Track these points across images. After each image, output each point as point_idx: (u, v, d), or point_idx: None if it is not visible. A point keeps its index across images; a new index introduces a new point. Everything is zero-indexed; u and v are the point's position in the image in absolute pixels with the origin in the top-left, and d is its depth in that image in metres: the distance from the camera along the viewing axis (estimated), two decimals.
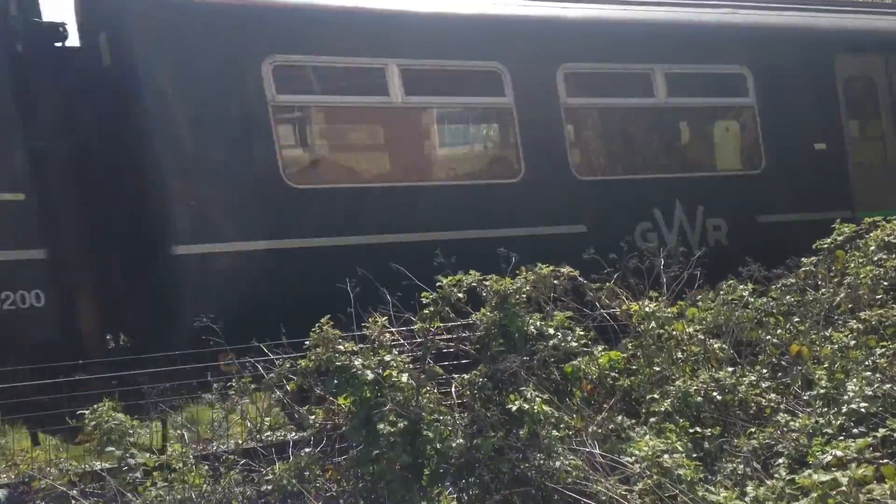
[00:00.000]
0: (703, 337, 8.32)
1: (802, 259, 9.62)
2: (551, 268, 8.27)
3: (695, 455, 6.62)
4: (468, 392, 7.42)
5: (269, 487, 6.74)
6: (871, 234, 9.51)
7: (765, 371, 7.86)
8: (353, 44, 11.01)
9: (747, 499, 5.83)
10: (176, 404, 8.56)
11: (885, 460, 5.35)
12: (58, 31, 10.21)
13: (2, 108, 9.64)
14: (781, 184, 13.32)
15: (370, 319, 7.48)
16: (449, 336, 7.87)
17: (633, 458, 6.36)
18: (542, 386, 7.46)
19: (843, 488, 4.53)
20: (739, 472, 6.44)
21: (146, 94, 10.08)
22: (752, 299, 8.87)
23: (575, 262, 8.65)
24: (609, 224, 11.80)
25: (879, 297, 8.42)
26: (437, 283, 7.76)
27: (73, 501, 6.85)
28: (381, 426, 6.65)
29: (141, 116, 10.11)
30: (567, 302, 8.47)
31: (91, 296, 10.16)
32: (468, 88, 12.25)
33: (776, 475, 6.06)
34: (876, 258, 8.95)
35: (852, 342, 7.48)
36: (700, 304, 8.88)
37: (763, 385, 7.57)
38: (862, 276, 8.62)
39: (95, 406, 7.37)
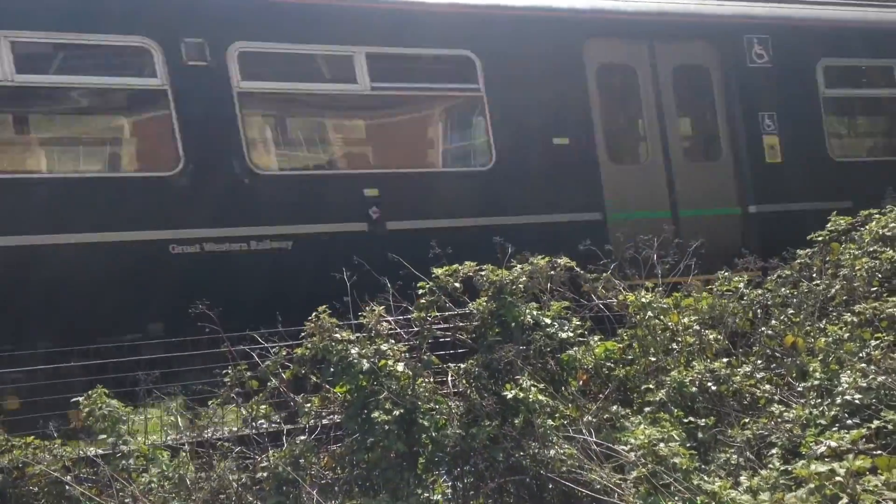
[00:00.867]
0: (698, 328, 8.32)
1: (798, 251, 9.61)
2: (548, 258, 8.28)
3: (689, 445, 6.62)
4: (464, 381, 7.44)
5: (264, 475, 6.71)
6: (867, 227, 9.51)
7: (759, 362, 7.87)
8: None
9: (741, 488, 5.84)
10: (171, 392, 8.54)
11: (879, 451, 5.36)
12: None
13: None
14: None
15: (367, 308, 7.49)
16: (446, 325, 7.87)
17: (629, 446, 6.36)
18: (538, 375, 7.47)
19: (840, 479, 4.53)
20: (733, 461, 6.45)
21: None
22: (748, 291, 8.88)
23: None
24: None
25: (874, 289, 8.42)
26: (433, 274, 7.76)
27: (67, 487, 6.83)
28: (376, 414, 6.64)
29: None
30: (563, 292, 8.48)
31: None
32: None
33: (770, 465, 6.07)
34: (871, 250, 8.95)
35: (846, 334, 7.48)
36: (695, 294, 8.89)
37: (757, 376, 7.58)
38: (857, 268, 8.63)
39: (90, 392, 7.37)
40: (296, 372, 7.25)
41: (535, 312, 7.81)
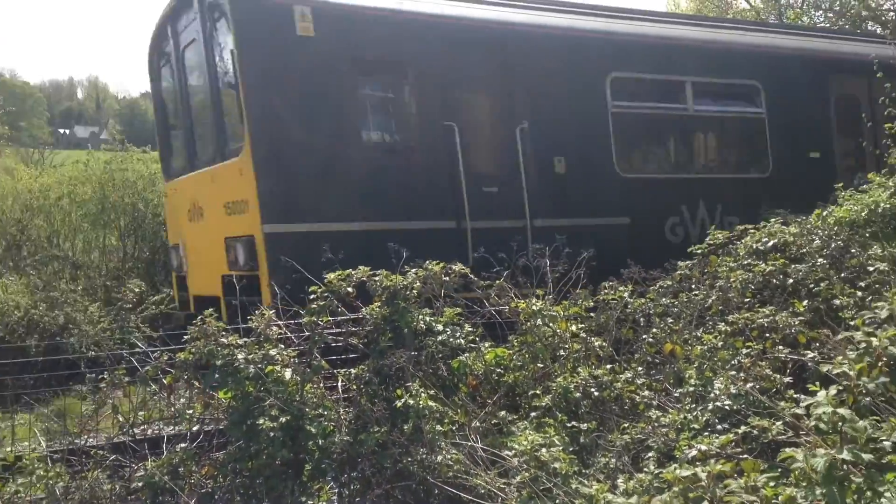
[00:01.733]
0: (584, 335, 8.50)
1: (679, 262, 9.90)
2: (442, 264, 8.38)
3: (572, 449, 6.76)
4: (355, 386, 7.47)
5: (140, 484, 6.60)
6: (742, 241, 9.88)
7: (640, 369, 8.08)
8: None
9: (618, 491, 5.98)
10: (43, 397, 8.38)
11: (745, 455, 5.56)
12: None
13: None
14: None
15: (256, 312, 7.47)
16: (338, 330, 7.91)
17: (513, 452, 6.48)
18: (429, 381, 7.54)
19: (703, 483, 4.71)
20: (612, 465, 6.61)
21: None
22: (632, 300, 9.10)
23: None
24: None
25: (747, 300, 8.70)
26: (325, 278, 7.79)
27: None
28: (261, 422, 6.60)
29: None
30: (457, 298, 8.59)
31: None
32: None
33: (645, 469, 6.24)
34: (745, 263, 9.26)
35: (720, 343, 7.72)
36: (582, 303, 9.08)
37: (638, 382, 7.78)
38: (732, 280, 8.92)
39: None
40: (178, 377, 7.18)
41: (427, 318, 7.90)
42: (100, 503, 6.58)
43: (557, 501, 5.94)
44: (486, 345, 8.29)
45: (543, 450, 6.40)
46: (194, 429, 7.11)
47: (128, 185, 20.95)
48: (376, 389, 7.39)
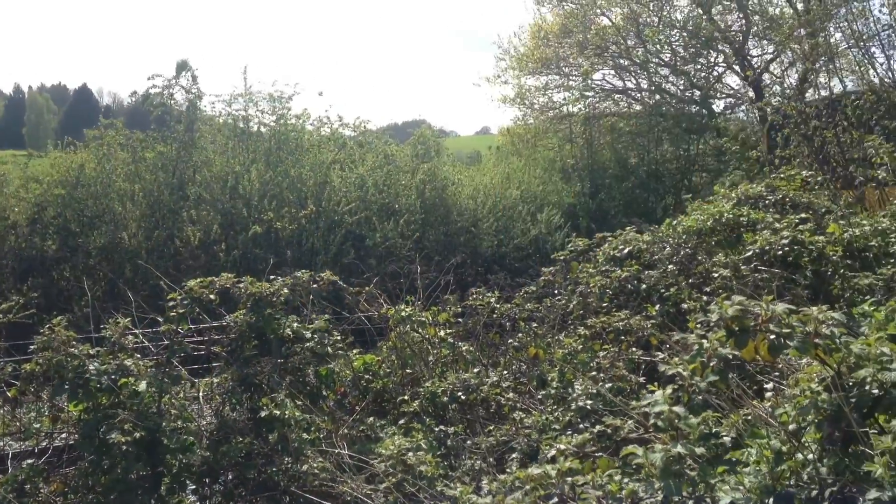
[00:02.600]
0: (452, 340, 8.59)
1: (543, 269, 10.09)
2: (309, 272, 8.35)
3: (439, 452, 6.81)
4: (217, 396, 7.37)
5: None
6: (601, 248, 10.16)
7: (506, 372, 8.19)
8: None
9: (482, 493, 6.05)
10: None
11: (600, 454, 5.68)
12: None
13: None
14: None
15: (111, 321, 7.27)
16: (200, 338, 7.80)
17: (380, 457, 6.50)
18: (297, 388, 7.51)
19: (553, 480, 4.81)
20: (477, 467, 6.68)
21: None
22: (498, 305, 9.23)
23: None
24: None
25: (605, 304, 8.92)
26: (185, 286, 7.66)
27: None
28: (114, 436, 6.38)
29: None
30: (325, 305, 8.57)
31: None
32: None
33: (508, 469, 6.32)
34: (603, 269, 9.52)
35: (580, 346, 7.90)
36: (450, 309, 9.18)
37: (503, 385, 7.89)
38: (591, 285, 9.13)
39: None
40: (24, 389, 6.94)
41: (295, 325, 7.85)
42: None
43: None
44: (355, 352, 8.29)
45: (410, 454, 6.42)
46: (43, 444, 6.88)
47: None
48: (240, 398, 7.30)
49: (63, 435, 6.95)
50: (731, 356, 4.15)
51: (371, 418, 7.47)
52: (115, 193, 19.21)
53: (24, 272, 18.21)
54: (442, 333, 8.71)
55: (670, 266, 9.11)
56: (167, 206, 19.27)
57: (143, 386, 6.66)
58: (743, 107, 29.09)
